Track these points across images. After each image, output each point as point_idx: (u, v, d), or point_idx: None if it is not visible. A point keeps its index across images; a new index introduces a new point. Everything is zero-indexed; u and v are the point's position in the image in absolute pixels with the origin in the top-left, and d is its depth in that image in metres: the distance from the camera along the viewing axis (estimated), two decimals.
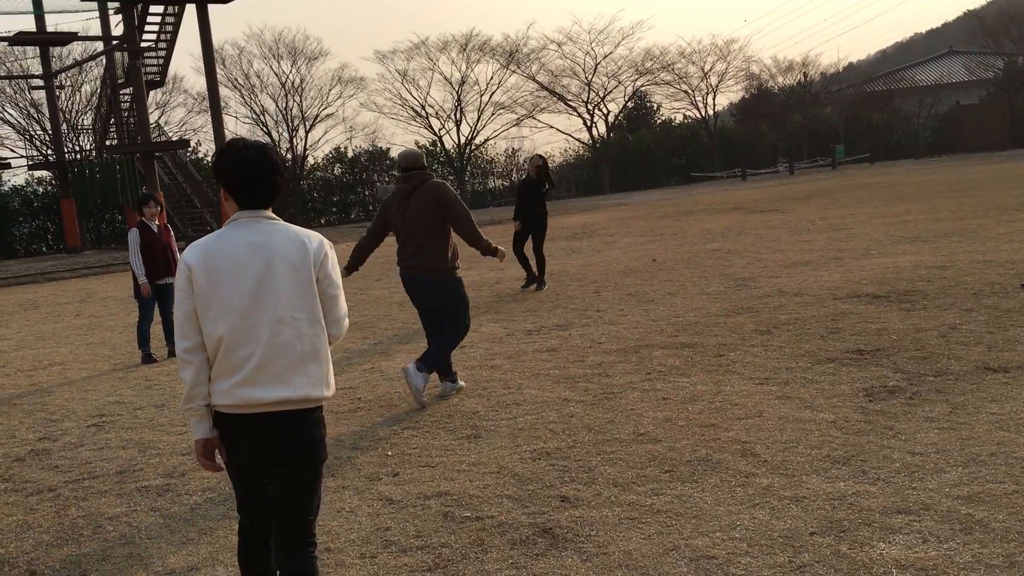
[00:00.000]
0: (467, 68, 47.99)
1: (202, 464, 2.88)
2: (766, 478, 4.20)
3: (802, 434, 4.76)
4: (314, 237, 2.89)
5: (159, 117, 40.66)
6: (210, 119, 30.25)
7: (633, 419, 5.33)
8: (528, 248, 11.74)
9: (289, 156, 43.98)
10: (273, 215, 2.89)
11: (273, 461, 2.81)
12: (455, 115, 48.32)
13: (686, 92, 54.83)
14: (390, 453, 5.11)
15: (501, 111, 49.26)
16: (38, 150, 39.16)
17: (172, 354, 8.72)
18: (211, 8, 28.46)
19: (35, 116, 39.45)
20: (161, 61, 31.17)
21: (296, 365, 2.77)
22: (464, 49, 47.51)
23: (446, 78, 47.91)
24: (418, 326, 9.27)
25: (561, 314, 9.29)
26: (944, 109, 55.97)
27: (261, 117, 43.98)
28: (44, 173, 37.86)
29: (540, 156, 12.12)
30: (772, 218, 19.15)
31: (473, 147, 48.96)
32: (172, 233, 9.24)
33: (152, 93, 34.62)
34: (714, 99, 56.24)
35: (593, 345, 7.53)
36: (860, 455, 4.38)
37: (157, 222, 8.93)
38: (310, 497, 2.87)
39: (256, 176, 2.80)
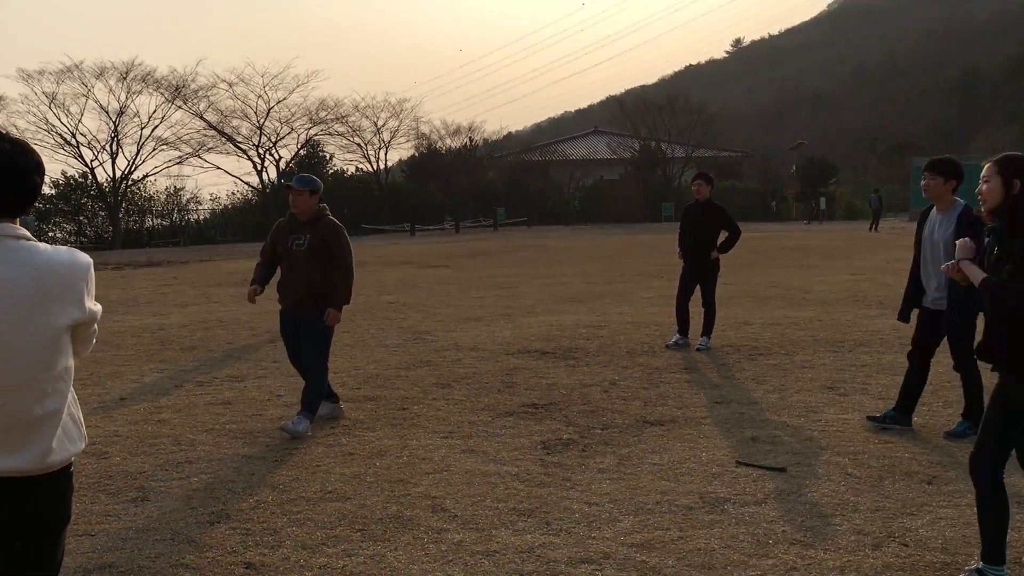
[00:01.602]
0: (127, 98, 44.88)
1: None
2: (457, 533, 4.23)
3: (489, 487, 4.87)
4: (64, 255, 2.36)
5: None
6: None
7: (320, 476, 5.15)
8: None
9: None
10: (16, 228, 2.34)
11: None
12: (111, 147, 44.83)
13: (359, 145, 55.42)
14: None
15: (164, 147, 46.51)
16: None
17: None
18: None
19: None
20: None
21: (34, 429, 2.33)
22: (124, 78, 44.40)
23: (102, 107, 44.41)
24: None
25: (235, 364, 8.82)
26: (591, 182, 61.62)
27: None
28: None
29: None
30: (443, 273, 19.78)
31: (130, 182, 45.64)
32: None
33: None
34: (386, 154, 57.36)
35: (272, 398, 7.22)
36: (543, 507, 4.56)
37: None
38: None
39: None
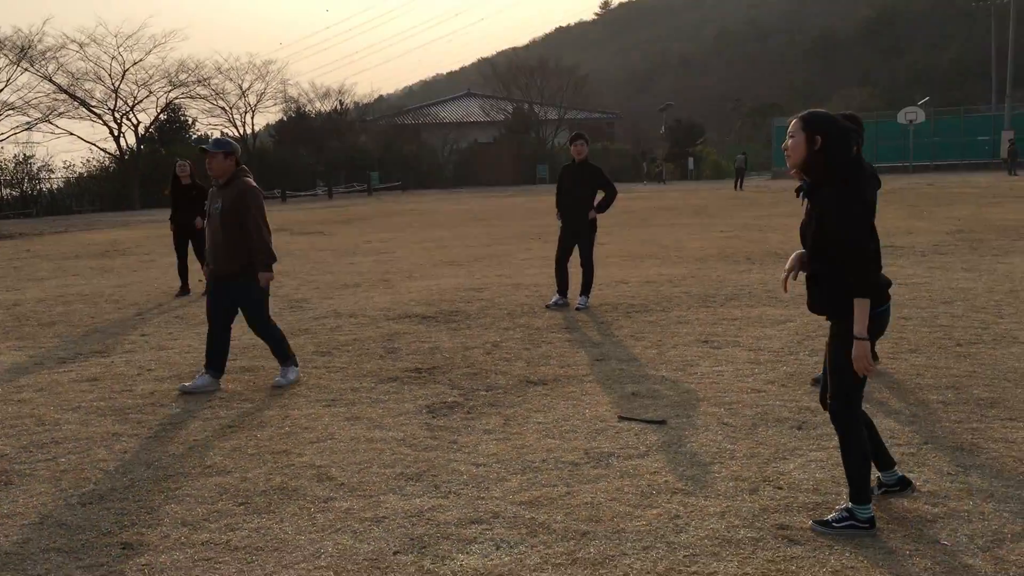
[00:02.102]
0: None
1: None
2: (345, 501, 4.17)
3: (375, 454, 4.82)
4: None
5: None
6: None
7: (197, 450, 4.98)
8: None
9: None
10: None
11: None
12: None
13: (223, 108, 53.54)
14: None
15: (10, 112, 43.77)
16: None
17: None
18: None
19: None
20: None
21: None
22: None
23: None
24: None
25: (99, 339, 8.41)
26: (465, 145, 61.44)
27: None
28: None
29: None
30: (318, 240, 19.38)
31: None
32: None
33: None
34: (253, 118, 55.67)
35: (142, 372, 6.92)
36: (431, 470, 4.55)
37: None
38: None
39: None
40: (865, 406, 3.85)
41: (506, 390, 6.06)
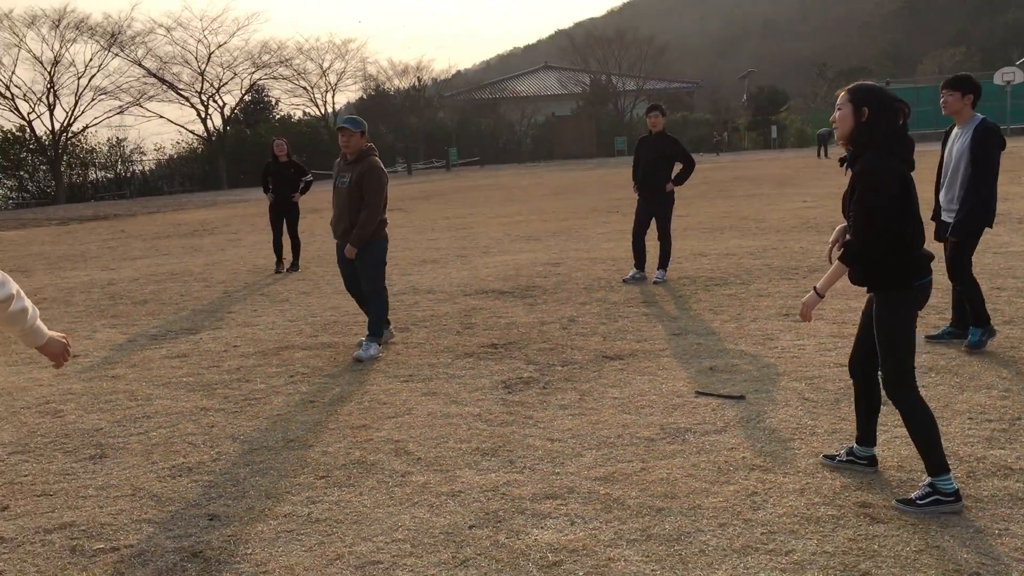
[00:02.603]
0: (61, 47, 43.43)
1: None
2: (422, 475, 4.23)
3: (451, 429, 4.87)
4: None
5: None
6: None
7: (280, 425, 5.11)
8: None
9: None
10: None
11: None
12: (47, 98, 43.45)
13: (305, 88, 54.41)
14: None
15: (103, 97, 45.32)
16: None
17: None
18: None
19: None
20: None
21: None
22: (57, 26, 42.90)
23: (36, 56, 42.95)
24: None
25: (189, 317, 8.69)
26: (542, 119, 61.18)
27: None
28: None
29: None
30: (397, 217, 19.59)
31: (70, 135, 44.35)
32: None
33: None
34: (333, 97, 56.50)
35: (229, 349, 7.13)
36: (506, 446, 4.57)
37: None
38: None
39: None
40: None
41: (582, 365, 6.05)
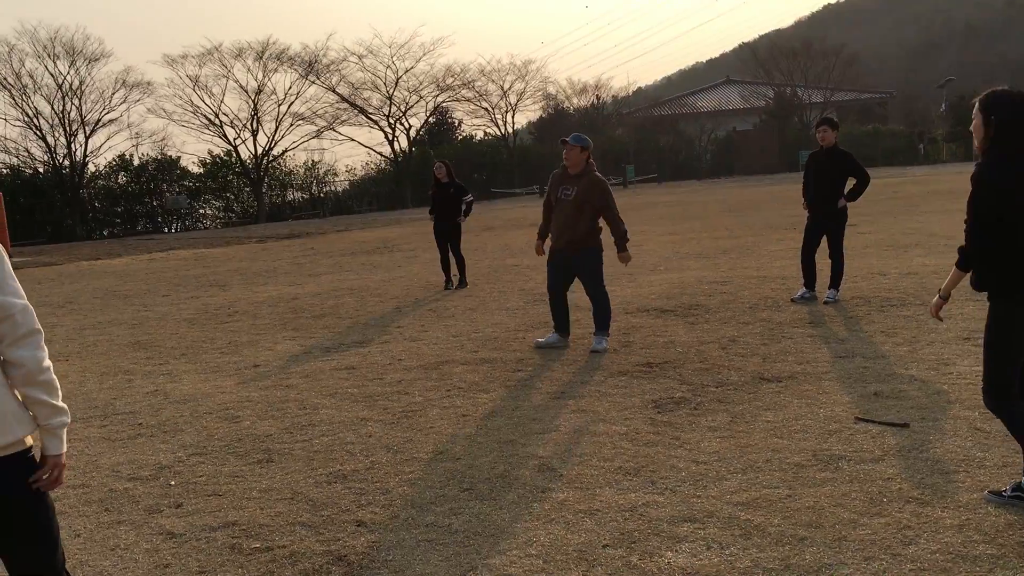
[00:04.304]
0: (264, 76, 46.61)
1: None
2: (562, 492, 4.26)
3: (596, 447, 4.88)
4: None
5: None
6: None
7: (433, 437, 5.28)
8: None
9: (67, 163, 40.98)
10: None
11: None
12: (252, 124, 46.76)
13: (486, 109, 55.79)
14: (173, 483, 4.79)
15: (300, 122, 48.18)
16: None
17: None
18: None
19: None
20: None
21: None
22: (261, 57, 46.10)
23: (241, 86, 46.47)
24: (211, 345, 8.84)
25: (361, 331, 9.12)
26: (723, 134, 59.93)
27: (35, 120, 40.74)
28: None
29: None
30: None
31: (271, 158, 47.54)
32: None
33: None
34: (513, 117, 57.53)
35: (393, 362, 7.43)
36: (649, 466, 4.53)
37: None
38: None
39: None
40: None
41: (737, 387, 5.90)
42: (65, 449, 2.53)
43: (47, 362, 2.47)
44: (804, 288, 8.98)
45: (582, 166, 7.32)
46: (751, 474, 4.31)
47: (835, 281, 8.82)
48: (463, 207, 12.17)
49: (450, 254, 12.15)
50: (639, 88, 79.18)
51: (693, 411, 5.43)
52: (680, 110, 63.73)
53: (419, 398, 6.21)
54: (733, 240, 15.41)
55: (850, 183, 8.90)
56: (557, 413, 5.58)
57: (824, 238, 8.93)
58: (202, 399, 6.61)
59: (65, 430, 2.52)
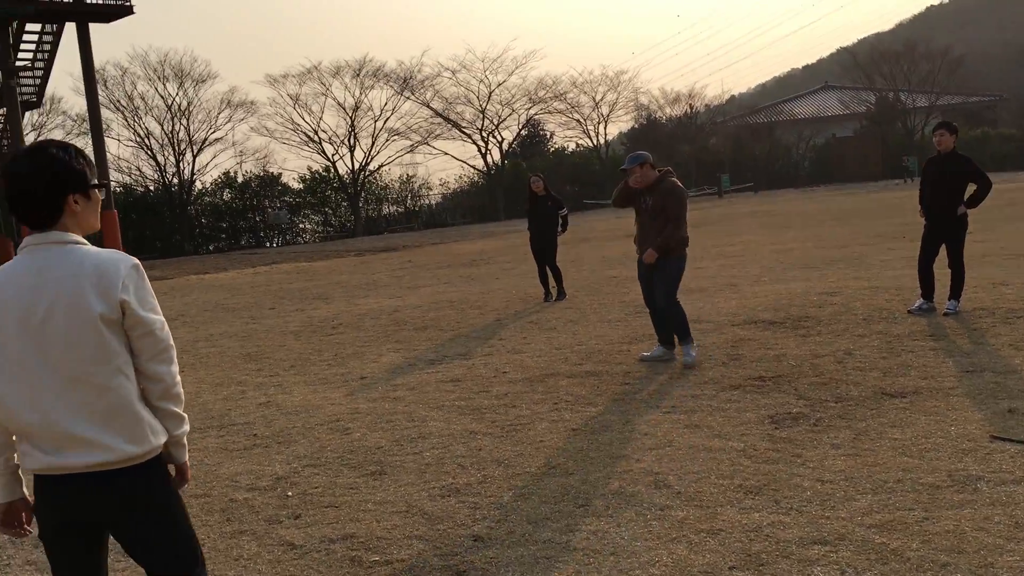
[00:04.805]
0: (361, 94, 47.55)
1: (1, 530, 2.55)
2: (681, 510, 4.14)
3: (713, 463, 4.74)
4: (114, 261, 2.40)
5: (36, 140, 38.77)
6: (91, 141, 28.90)
7: (544, 451, 5.22)
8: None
9: (176, 181, 42.58)
10: (67, 235, 2.42)
11: (84, 526, 2.46)
12: (349, 141, 47.74)
13: (578, 121, 55.69)
14: (290, 493, 4.85)
15: (396, 137, 48.96)
16: None
17: None
18: (92, 27, 27.35)
19: None
20: (38, 81, 29.76)
21: (97, 424, 2.37)
22: (358, 75, 47.08)
23: (339, 103, 47.35)
24: (317, 357, 8.99)
25: (463, 343, 9.14)
26: (821, 141, 58.43)
27: (146, 140, 42.46)
28: None
29: None
30: None
31: (367, 173, 48.45)
32: None
33: (28, 114, 33.02)
34: (605, 128, 57.30)
35: (498, 375, 7.41)
36: (771, 484, 4.37)
37: None
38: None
39: (22, 192, 2.39)
40: None
41: (858, 402, 5.67)
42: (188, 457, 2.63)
43: (179, 376, 2.53)
44: (922, 299, 8.61)
45: (653, 178, 7.27)
46: (882, 495, 4.11)
47: (955, 291, 8.44)
48: (560, 221, 12.12)
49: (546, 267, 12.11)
50: (733, 96, 77.93)
51: (813, 427, 5.23)
52: (776, 117, 62.41)
53: (526, 411, 6.16)
54: (840, 250, 14.95)
55: (970, 189, 8.51)
56: (670, 428, 5.45)
57: (943, 247, 8.56)
58: (313, 410, 6.71)
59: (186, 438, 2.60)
